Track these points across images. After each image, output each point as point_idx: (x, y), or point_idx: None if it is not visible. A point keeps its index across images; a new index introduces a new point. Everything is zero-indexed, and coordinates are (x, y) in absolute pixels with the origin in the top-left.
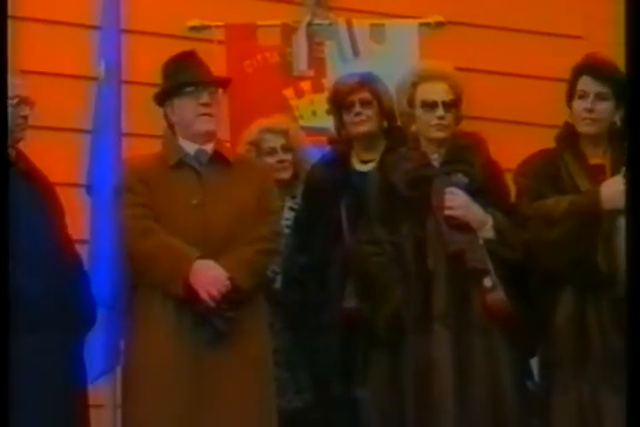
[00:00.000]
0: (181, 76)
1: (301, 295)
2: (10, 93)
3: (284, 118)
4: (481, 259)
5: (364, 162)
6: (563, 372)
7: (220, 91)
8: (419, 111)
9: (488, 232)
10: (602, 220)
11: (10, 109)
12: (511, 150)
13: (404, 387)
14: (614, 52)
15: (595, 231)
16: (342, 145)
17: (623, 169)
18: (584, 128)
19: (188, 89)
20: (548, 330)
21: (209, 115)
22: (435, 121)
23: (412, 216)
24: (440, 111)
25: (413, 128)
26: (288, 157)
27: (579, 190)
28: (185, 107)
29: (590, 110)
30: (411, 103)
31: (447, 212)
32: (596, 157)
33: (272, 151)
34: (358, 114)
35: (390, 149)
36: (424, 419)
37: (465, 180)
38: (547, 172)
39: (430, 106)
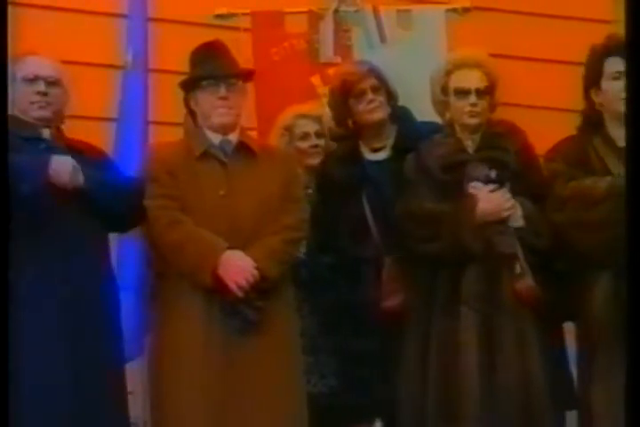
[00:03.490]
0: (200, 69)
1: (333, 294)
2: (22, 74)
3: (318, 104)
4: (509, 244)
5: (375, 150)
6: (605, 357)
7: (241, 82)
8: (452, 99)
9: (517, 221)
10: None
11: (22, 87)
12: (542, 137)
13: (430, 371)
14: None
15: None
16: (350, 137)
17: None
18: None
19: (205, 83)
20: (585, 315)
21: (226, 108)
22: (467, 108)
23: (447, 199)
24: (472, 98)
25: (447, 116)
26: (321, 142)
27: (610, 172)
28: (204, 99)
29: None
30: (444, 91)
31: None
32: (623, 139)
33: (305, 136)
34: (372, 101)
35: (402, 132)
36: (449, 404)
37: (493, 174)
38: (576, 156)
39: (463, 93)
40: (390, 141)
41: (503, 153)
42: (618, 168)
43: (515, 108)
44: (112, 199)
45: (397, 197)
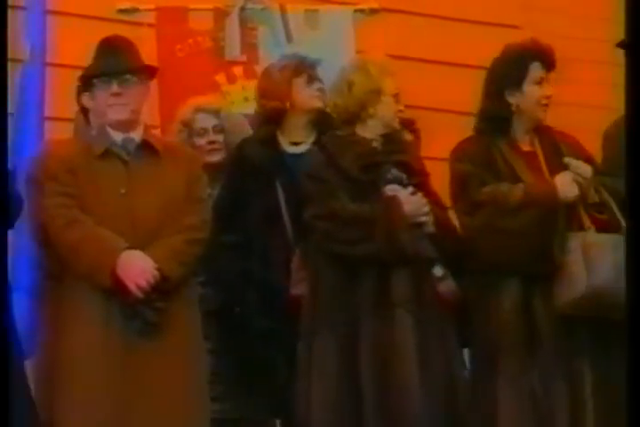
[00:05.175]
0: (94, 65)
1: (232, 275)
2: None
3: (218, 98)
4: (429, 247)
5: (295, 144)
6: (511, 362)
7: (137, 79)
8: (384, 99)
9: (430, 227)
10: (559, 211)
11: None
12: (445, 140)
13: (363, 374)
14: (553, 43)
15: (553, 222)
16: (269, 125)
17: (567, 159)
18: (541, 114)
19: (99, 79)
20: (490, 320)
21: (120, 104)
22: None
23: (363, 200)
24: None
25: (364, 114)
26: (219, 138)
27: (518, 177)
28: (99, 96)
29: (549, 97)
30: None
31: None
32: (525, 144)
33: (203, 132)
34: (320, 89)
35: (323, 131)
36: (391, 405)
37: (404, 177)
38: (482, 158)
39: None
40: (311, 139)
41: (408, 156)
42: (526, 175)
43: (416, 110)
44: None
45: (306, 197)
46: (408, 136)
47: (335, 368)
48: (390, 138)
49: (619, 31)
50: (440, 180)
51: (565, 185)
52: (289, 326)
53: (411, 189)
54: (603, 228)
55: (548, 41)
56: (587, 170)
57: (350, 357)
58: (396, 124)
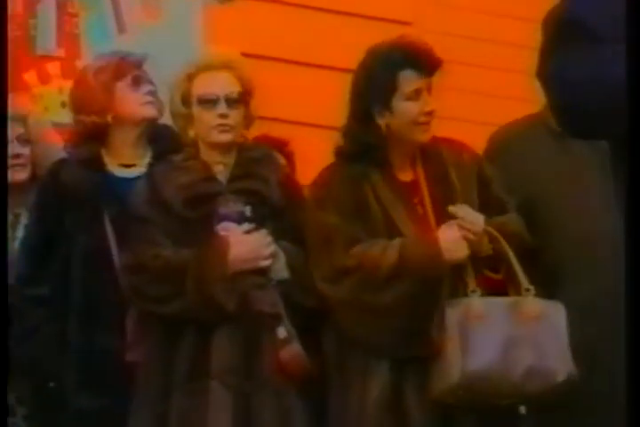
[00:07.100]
0: None
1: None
2: None
3: (24, 101)
4: (271, 301)
5: (125, 166)
6: None
7: None
8: (196, 110)
9: (280, 272)
10: (442, 279)
11: None
12: (320, 163)
13: None
14: (445, 41)
15: (433, 294)
16: (90, 143)
17: (453, 209)
18: (421, 135)
19: None
20: (353, 407)
21: None
22: (216, 121)
23: (190, 244)
24: (222, 108)
25: (191, 133)
26: (26, 151)
27: (394, 224)
28: None
29: (430, 113)
30: (186, 101)
31: None
32: (406, 172)
33: None
34: (150, 93)
35: (161, 154)
36: None
37: (248, 211)
38: (351, 200)
39: (210, 102)
40: (145, 161)
41: (262, 184)
42: (405, 222)
43: (275, 123)
44: None
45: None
46: (280, 160)
47: None
48: (239, 159)
49: (534, 34)
50: None
51: (451, 243)
52: (120, 404)
53: (246, 226)
54: (494, 289)
55: (445, 42)
56: (478, 219)
57: None
58: (219, 137)
